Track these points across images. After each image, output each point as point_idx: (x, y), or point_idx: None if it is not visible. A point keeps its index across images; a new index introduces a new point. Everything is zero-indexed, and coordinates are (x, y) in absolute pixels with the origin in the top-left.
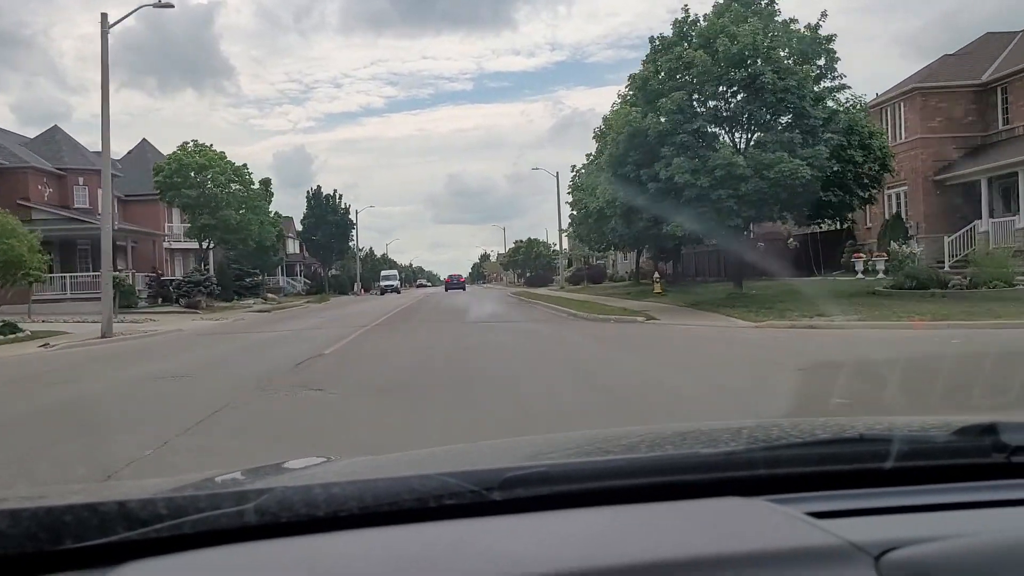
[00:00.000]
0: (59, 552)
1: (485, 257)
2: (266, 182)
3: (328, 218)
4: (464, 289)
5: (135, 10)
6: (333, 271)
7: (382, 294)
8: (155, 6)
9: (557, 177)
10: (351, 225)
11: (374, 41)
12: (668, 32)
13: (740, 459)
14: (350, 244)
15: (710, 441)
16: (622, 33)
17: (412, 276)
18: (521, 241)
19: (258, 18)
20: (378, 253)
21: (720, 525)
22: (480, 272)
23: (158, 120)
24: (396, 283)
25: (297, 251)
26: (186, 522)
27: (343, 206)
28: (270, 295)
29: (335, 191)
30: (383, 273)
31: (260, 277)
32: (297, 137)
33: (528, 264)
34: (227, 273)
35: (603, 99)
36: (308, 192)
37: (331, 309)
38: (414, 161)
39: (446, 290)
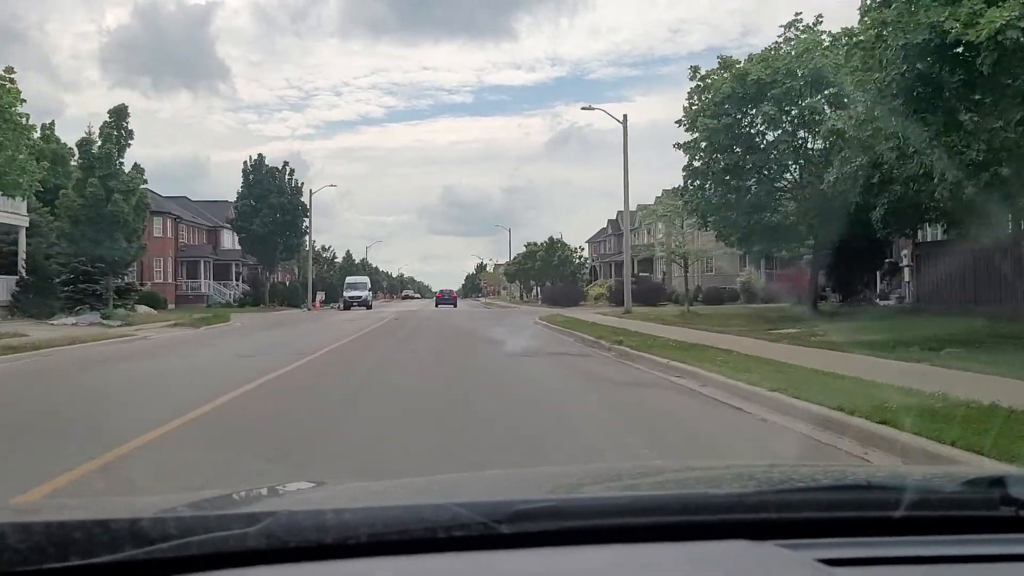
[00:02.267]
0: (64, 569)
1: (481, 268)
2: (119, 111)
3: (271, 200)
4: (455, 305)
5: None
6: (286, 276)
7: (345, 308)
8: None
9: (624, 121)
10: (304, 211)
11: (372, 47)
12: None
13: (750, 501)
14: (305, 238)
15: (715, 482)
16: (623, 51)
17: (398, 286)
18: (535, 244)
19: (258, 22)
20: (370, 261)
21: (731, 568)
22: (476, 284)
23: (155, 122)
24: (366, 294)
25: (238, 247)
26: (193, 542)
27: (293, 183)
28: (143, 307)
29: (285, 163)
30: (348, 280)
31: (120, 278)
32: (295, 144)
33: (548, 274)
34: (44, 268)
35: (602, 116)
36: (245, 163)
37: (174, 349)
38: (410, 172)
39: (436, 305)
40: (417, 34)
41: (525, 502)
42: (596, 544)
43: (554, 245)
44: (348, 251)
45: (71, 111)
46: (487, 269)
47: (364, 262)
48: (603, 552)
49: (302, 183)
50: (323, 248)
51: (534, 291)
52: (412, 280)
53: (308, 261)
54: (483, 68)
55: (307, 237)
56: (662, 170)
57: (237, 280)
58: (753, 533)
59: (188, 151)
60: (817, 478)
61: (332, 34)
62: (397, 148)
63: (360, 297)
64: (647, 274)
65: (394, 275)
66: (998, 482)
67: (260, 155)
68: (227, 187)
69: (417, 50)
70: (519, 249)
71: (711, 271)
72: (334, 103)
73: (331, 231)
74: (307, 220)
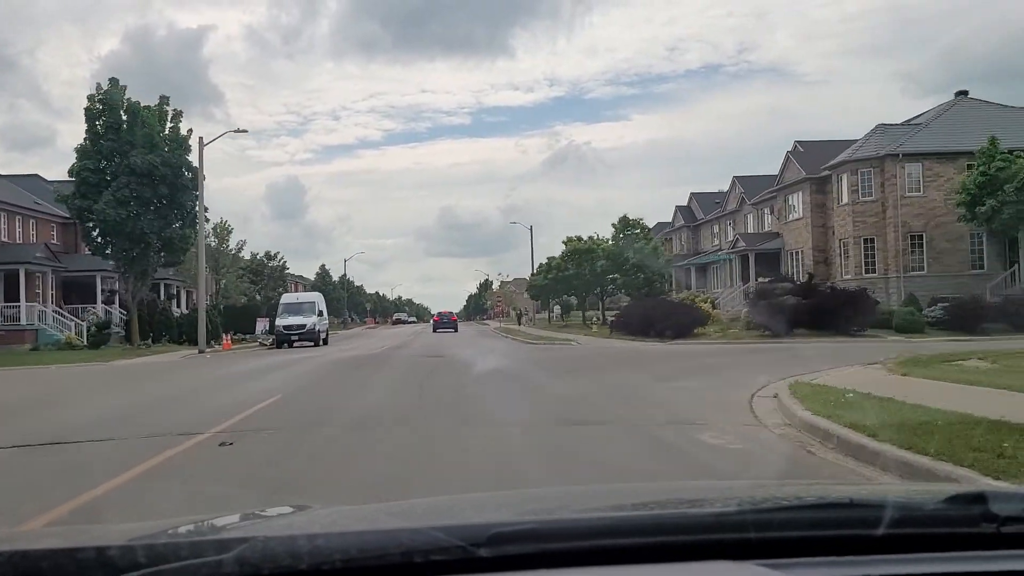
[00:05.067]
0: None
1: (486, 286)
2: None
3: (133, 159)
4: (456, 330)
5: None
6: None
7: (278, 346)
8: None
9: None
10: (194, 182)
11: (369, 68)
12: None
13: (731, 521)
14: (196, 226)
15: (696, 501)
16: (620, 69)
17: (392, 308)
18: (582, 238)
19: (257, 49)
20: (355, 280)
21: None
22: (481, 305)
23: None
24: (314, 321)
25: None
26: (164, 571)
27: (175, 132)
28: None
29: (161, 99)
30: (284, 300)
31: None
32: (294, 168)
33: (610, 279)
34: None
35: (599, 135)
36: (90, 97)
37: None
38: (408, 194)
39: (434, 330)
40: (411, 52)
41: (503, 525)
42: (577, 567)
43: (629, 229)
44: (323, 265)
45: (63, 139)
46: (493, 287)
47: (345, 279)
48: (582, 575)
49: (189, 131)
50: (267, 256)
51: (576, 311)
52: (410, 303)
53: (199, 263)
54: (481, 90)
55: (206, 224)
56: (661, 188)
57: (110, 303)
58: (735, 553)
59: None
60: (800, 496)
61: (325, 55)
62: (395, 171)
63: (303, 327)
64: (769, 281)
65: (391, 298)
66: (979, 498)
67: (113, 80)
68: (224, 212)
69: (412, 68)
70: (579, 237)
71: (920, 267)
72: (332, 127)
73: (330, 255)
74: (212, 195)
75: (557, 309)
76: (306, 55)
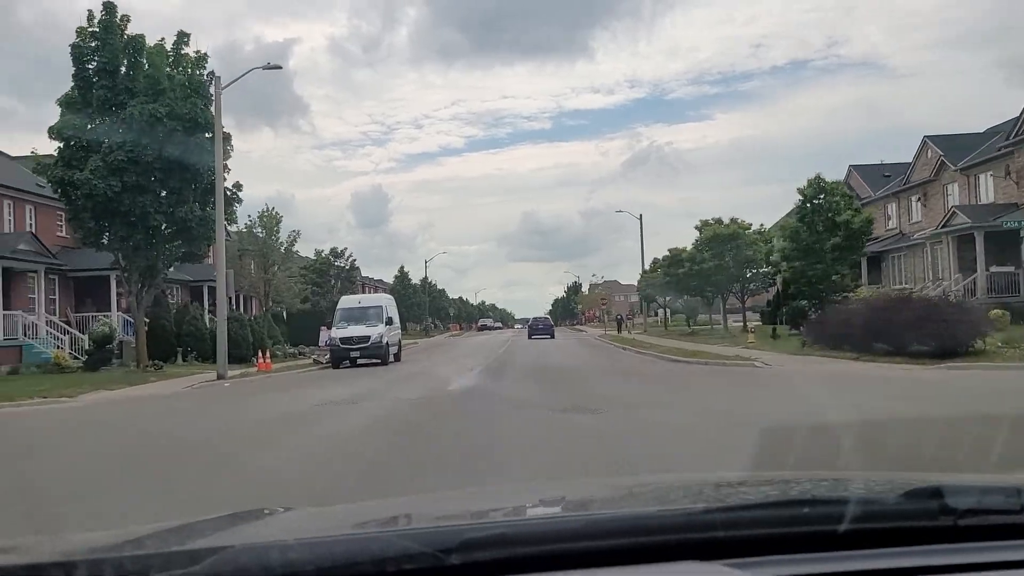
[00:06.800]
0: None
1: (574, 289)
2: None
3: (134, 109)
4: (552, 336)
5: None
6: (248, 301)
7: (334, 364)
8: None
9: None
10: (212, 143)
11: (448, 75)
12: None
13: (698, 521)
14: (230, 206)
15: (662, 498)
16: (703, 68)
17: (475, 313)
18: (722, 221)
19: (339, 60)
20: (437, 283)
21: None
22: (571, 309)
23: (246, 163)
24: (380, 331)
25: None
26: None
27: (190, 74)
28: None
29: (179, 35)
30: (342, 303)
31: None
32: (378, 178)
33: (797, 267)
34: None
35: (681, 135)
36: (80, 30)
37: None
38: (490, 200)
39: (529, 336)
40: (490, 57)
41: (473, 529)
42: (547, 571)
43: (823, 196)
44: (402, 267)
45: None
46: (583, 290)
47: (427, 281)
48: None
49: (210, 74)
50: (332, 253)
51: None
52: (493, 307)
53: (219, 253)
54: (561, 93)
55: (231, 203)
56: (744, 187)
57: (128, 309)
58: (703, 553)
59: (272, 191)
60: (764, 491)
61: (405, 63)
62: (477, 177)
63: (367, 339)
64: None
65: (474, 303)
66: (936, 492)
67: (108, 5)
68: (311, 223)
69: (491, 74)
70: (717, 220)
71: None
72: (414, 136)
73: (413, 263)
74: (228, 163)
75: (664, 312)
76: (386, 64)
